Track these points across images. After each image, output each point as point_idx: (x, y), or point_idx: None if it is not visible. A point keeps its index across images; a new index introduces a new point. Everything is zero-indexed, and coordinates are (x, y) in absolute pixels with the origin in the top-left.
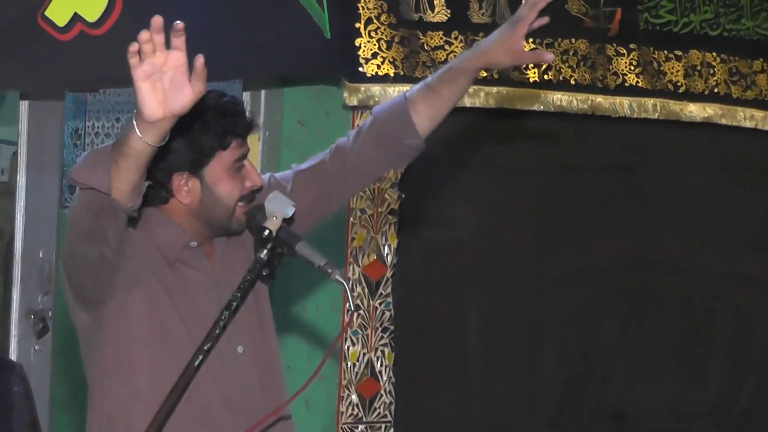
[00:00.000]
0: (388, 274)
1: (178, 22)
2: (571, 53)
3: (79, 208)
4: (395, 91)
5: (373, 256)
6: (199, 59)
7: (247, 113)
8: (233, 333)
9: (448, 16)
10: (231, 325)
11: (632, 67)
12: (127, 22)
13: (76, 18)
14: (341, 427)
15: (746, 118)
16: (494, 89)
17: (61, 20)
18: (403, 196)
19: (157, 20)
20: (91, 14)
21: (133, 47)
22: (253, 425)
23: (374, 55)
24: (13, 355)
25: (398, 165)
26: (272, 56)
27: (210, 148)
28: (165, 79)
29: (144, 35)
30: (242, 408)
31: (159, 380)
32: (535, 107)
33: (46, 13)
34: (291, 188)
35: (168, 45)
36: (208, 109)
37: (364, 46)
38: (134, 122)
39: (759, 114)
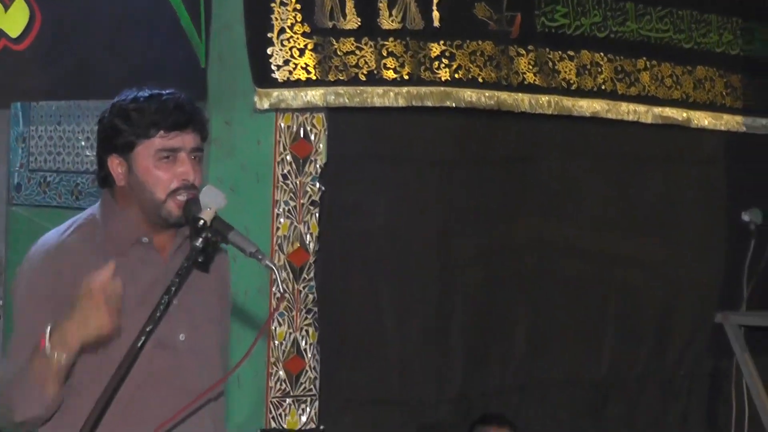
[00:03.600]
0: (311, 260)
1: None
2: (478, 54)
3: None
4: (307, 95)
5: (297, 244)
6: None
7: (187, 111)
8: (175, 321)
9: (359, 23)
10: (174, 314)
11: (530, 67)
12: (46, 38)
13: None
14: (270, 401)
15: (629, 112)
16: (404, 89)
17: None
18: (323, 188)
19: None
20: (14, 30)
21: None
22: (186, 405)
23: (286, 62)
24: None
25: None
26: (149, 79)
27: (132, 134)
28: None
29: None
30: (178, 392)
31: (99, 375)
32: (446, 103)
33: None
34: None
35: None
36: (141, 99)
37: (276, 54)
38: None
39: (641, 108)
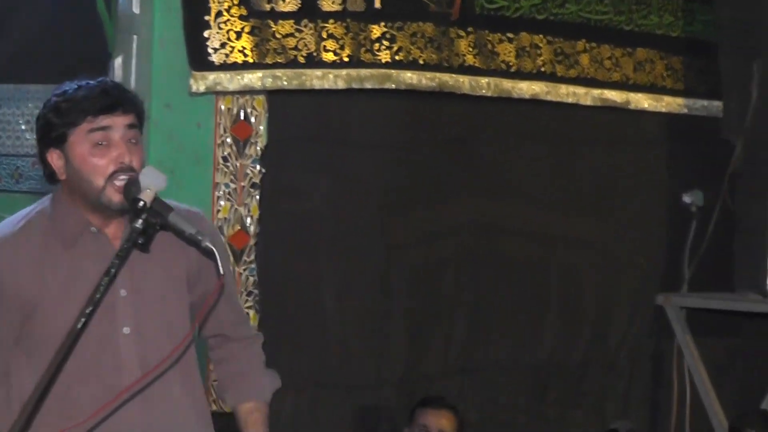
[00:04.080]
0: (251, 242)
1: None
2: (419, 35)
3: None
4: (244, 78)
5: (237, 227)
6: None
7: (114, 94)
8: (120, 314)
9: (299, 5)
10: (118, 307)
11: (470, 49)
12: None
13: None
14: (211, 384)
15: (569, 94)
16: (343, 71)
17: None
18: (264, 171)
19: None
20: None
21: None
22: (124, 389)
23: (223, 45)
24: None
25: None
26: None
27: (63, 125)
28: None
29: None
30: (116, 386)
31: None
32: (387, 85)
33: None
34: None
35: None
36: (69, 91)
37: (213, 37)
38: None
39: (580, 90)
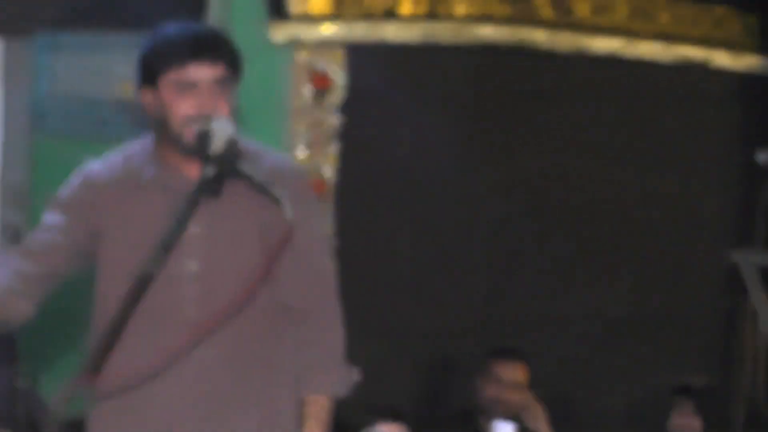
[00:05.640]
0: (329, 191)
1: None
2: None
3: None
4: (322, 29)
5: (315, 175)
6: None
7: (208, 41)
8: (187, 250)
9: None
10: (186, 245)
11: (547, 4)
12: None
13: None
14: None
15: (647, 51)
16: (420, 25)
17: None
18: (341, 121)
19: None
20: None
21: None
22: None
23: None
24: None
25: None
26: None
27: (156, 66)
28: None
29: None
30: (178, 322)
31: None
32: (462, 40)
33: None
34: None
35: None
36: (165, 33)
37: None
38: None
39: (659, 47)
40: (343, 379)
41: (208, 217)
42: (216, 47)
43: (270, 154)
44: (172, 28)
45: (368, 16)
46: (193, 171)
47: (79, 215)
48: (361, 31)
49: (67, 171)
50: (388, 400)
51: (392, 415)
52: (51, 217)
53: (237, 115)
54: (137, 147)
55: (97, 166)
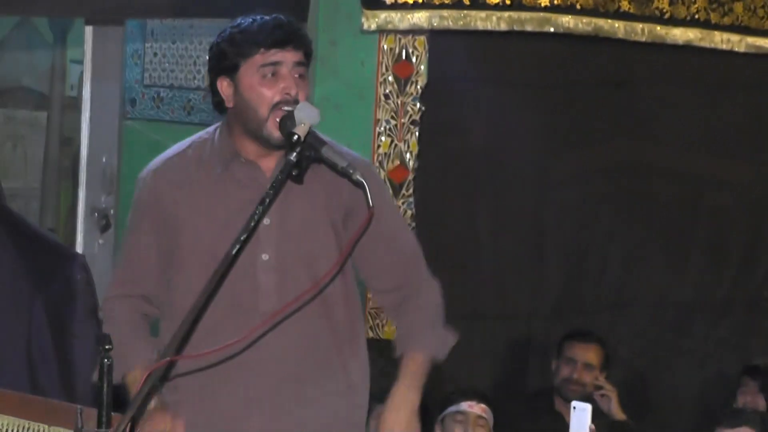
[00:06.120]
0: (410, 177)
1: None
2: None
3: None
4: (413, 17)
5: (397, 162)
6: None
7: (287, 29)
8: (260, 241)
9: None
10: (260, 235)
11: None
12: None
13: None
14: (368, 312)
15: (723, 41)
16: (506, 14)
17: None
18: (423, 108)
19: None
20: None
21: None
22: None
23: None
24: (79, 248)
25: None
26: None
27: (236, 54)
28: None
29: None
30: (252, 310)
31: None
32: (546, 29)
33: None
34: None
35: None
36: (244, 24)
37: None
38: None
39: (735, 38)
40: (442, 341)
41: (280, 208)
42: (297, 35)
43: (336, 144)
44: (250, 18)
45: (457, 3)
46: (268, 163)
47: (157, 220)
48: (450, 19)
49: (155, 156)
50: (467, 381)
51: (476, 394)
52: (135, 234)
53: (325, 103)
54: (201, 136)
55: (164, 162)
